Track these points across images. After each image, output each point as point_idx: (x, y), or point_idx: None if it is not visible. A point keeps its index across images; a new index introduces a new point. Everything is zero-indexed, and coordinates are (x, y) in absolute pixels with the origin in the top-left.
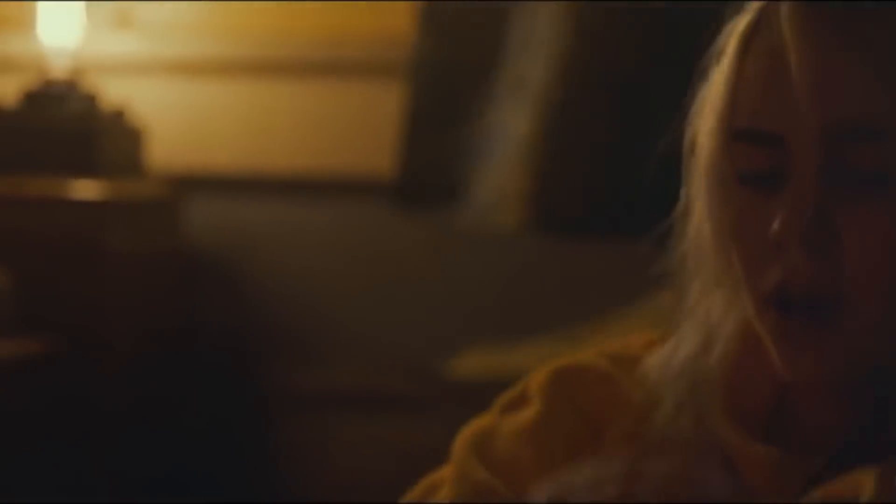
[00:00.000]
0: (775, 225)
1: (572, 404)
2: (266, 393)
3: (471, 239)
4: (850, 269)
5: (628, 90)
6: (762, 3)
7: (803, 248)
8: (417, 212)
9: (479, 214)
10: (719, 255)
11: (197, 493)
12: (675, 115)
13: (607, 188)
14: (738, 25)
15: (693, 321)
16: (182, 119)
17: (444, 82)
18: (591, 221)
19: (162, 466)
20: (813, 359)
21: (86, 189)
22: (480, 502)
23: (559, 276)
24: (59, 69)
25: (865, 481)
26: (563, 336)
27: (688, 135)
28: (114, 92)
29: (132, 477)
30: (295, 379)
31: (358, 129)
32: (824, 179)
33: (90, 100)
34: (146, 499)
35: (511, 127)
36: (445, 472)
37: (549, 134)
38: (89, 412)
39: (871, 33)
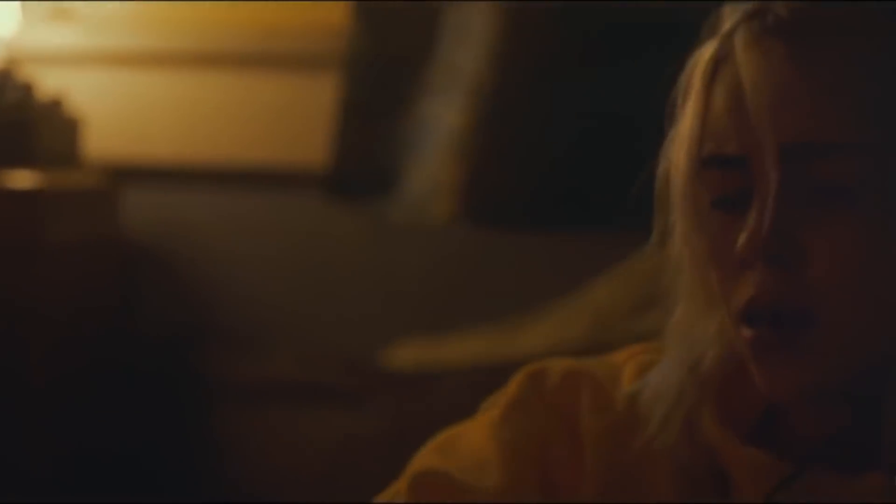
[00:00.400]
0: (739, 242)
1: (544, 400)
2: (203, 383)
3: (405, 230)
4: (815, 283)
5: (560, 82)
6: (723, 34)
7: (766, 263)
8: (352, 203)
9: (413, 206)
10: (699, 279)
11: (132, 481)
12: (605, 107)
13: (538, 180)
14: (702, 58)
15: (680, 343)
16: (119, 110)
17: (378, 74)
18: (522, 213)
19: (97, 455)
20: (787, 372)
21: (22, 179)
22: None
23: (493, 268)
24: None
25: (840, 485)
26: (497, 327)
27: (662, 167)
28: (51, 83)
29: (64, 465)
30: (231, 369)
31: (293, 121)
32: (785, 196)
33: (26, 90)
34: (79, 489)
35: (444, 119)
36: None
37: (480, 126)
38: (22, 399)
39: (824, 54)
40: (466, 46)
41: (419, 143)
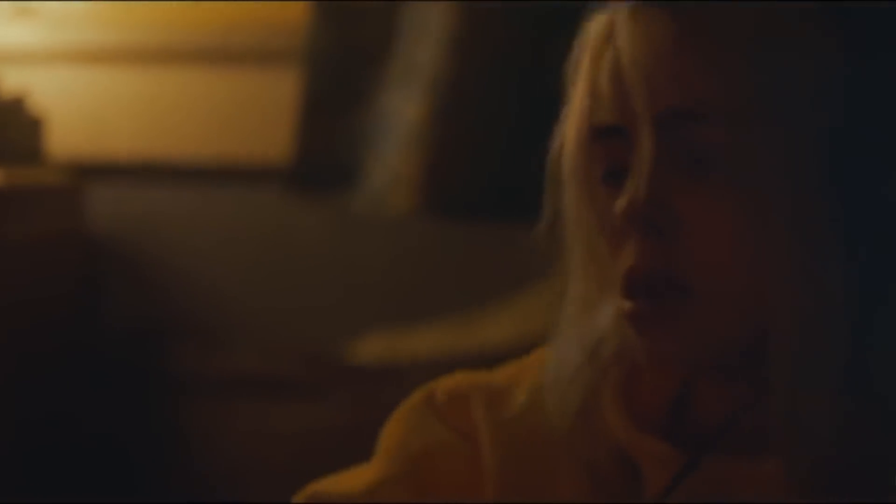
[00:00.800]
0: (616, 209)
1: (434, 415)
2: (167, 377)
3: (367, 222)
4: (691, 253)
5: (518, 74)
6: (612, 8)
7: (642, 232)
8: (313, 196)
9: (374, 199)
10: (591, 257)
11: (95, 476)
12: (562, 99)
13: (496, 172)
14: (591, 32)
15: (574, 323)
16: (81, 107)
17: (338, 68)
18: (482, 204)
19: (60, 450)
20: (665, 345)
21: None
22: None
23: (454, 259)
24: None
25: (742, 473)
26: (460, 319)
27: (555, 144)
28: (13, 81)
29: (27, 461)
30: (195, 363)
31: (254, 116)
32: (660, 164)
33: None
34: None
35: (403, 112)
36: None
37: (439, 118)
38: None
39: (702, 26)
40: (425, 41)
41: (379, 136)
